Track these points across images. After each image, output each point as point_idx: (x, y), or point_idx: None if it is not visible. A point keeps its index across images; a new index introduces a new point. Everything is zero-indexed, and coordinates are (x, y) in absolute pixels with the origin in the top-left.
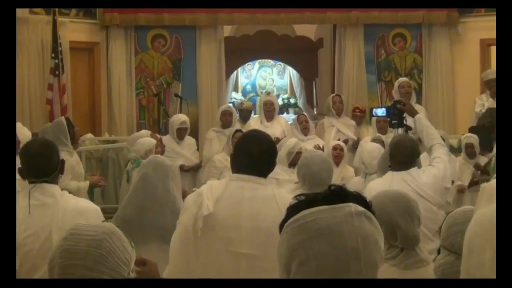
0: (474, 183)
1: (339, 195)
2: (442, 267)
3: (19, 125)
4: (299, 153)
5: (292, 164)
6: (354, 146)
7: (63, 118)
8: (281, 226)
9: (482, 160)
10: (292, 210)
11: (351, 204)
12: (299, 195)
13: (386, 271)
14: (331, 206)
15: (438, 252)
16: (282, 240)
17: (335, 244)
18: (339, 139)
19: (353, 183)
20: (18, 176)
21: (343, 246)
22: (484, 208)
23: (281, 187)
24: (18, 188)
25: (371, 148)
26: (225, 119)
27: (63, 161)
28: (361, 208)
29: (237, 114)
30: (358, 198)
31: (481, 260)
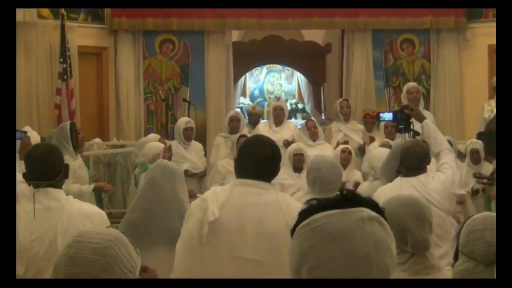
0: (475, 192)
1: (352, 199)
2: (461, 273)
3: (28, 129)
4: (297, 155)
5: (295, 167)
6: (360, 149)
7: (67, 123)
8: (293, 231)
9: (487, 166)
10: (304, 214)
11: (363, 209)
12: (311, 199)
13: (395, 276)
14: (343, 210)
15: (456, 258)
16: (293, 244)
17: (346, 249)
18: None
19: (362, 189)
20: (24, 180)
21: (354, 251)
22: None
23: (286, 192)
24: (25, 192)
25: (380, 152)
26: (233, 125)
27: (67, 166)
28: (373, 213)
29: (247, 119)
30: (371, 203)
31: None
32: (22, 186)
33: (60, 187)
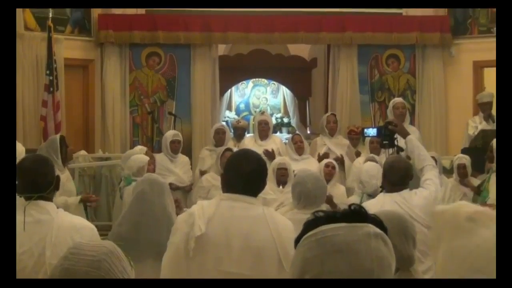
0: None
1: (359, 214)
2: None
3: None
4: (280, 170)
5: (279, 182)
6: (337, 160)
7: (57, 136)
8: (297, 241)
9: (474, 182)
10: (310, 225)
11: (369, 225)
12: (317, 211)
13: None
14: (350, 224)
15: None
16: (297, 253)
17: (351, 262)
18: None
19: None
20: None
21: (358, 265)
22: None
23: (268, 206)
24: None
25: (369, 167)
26: (218, 138)
27: (58, 177)
28: (379, 230)
29: (232, 133)
30: (376, 220)
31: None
32: None
33: (51, 200)
